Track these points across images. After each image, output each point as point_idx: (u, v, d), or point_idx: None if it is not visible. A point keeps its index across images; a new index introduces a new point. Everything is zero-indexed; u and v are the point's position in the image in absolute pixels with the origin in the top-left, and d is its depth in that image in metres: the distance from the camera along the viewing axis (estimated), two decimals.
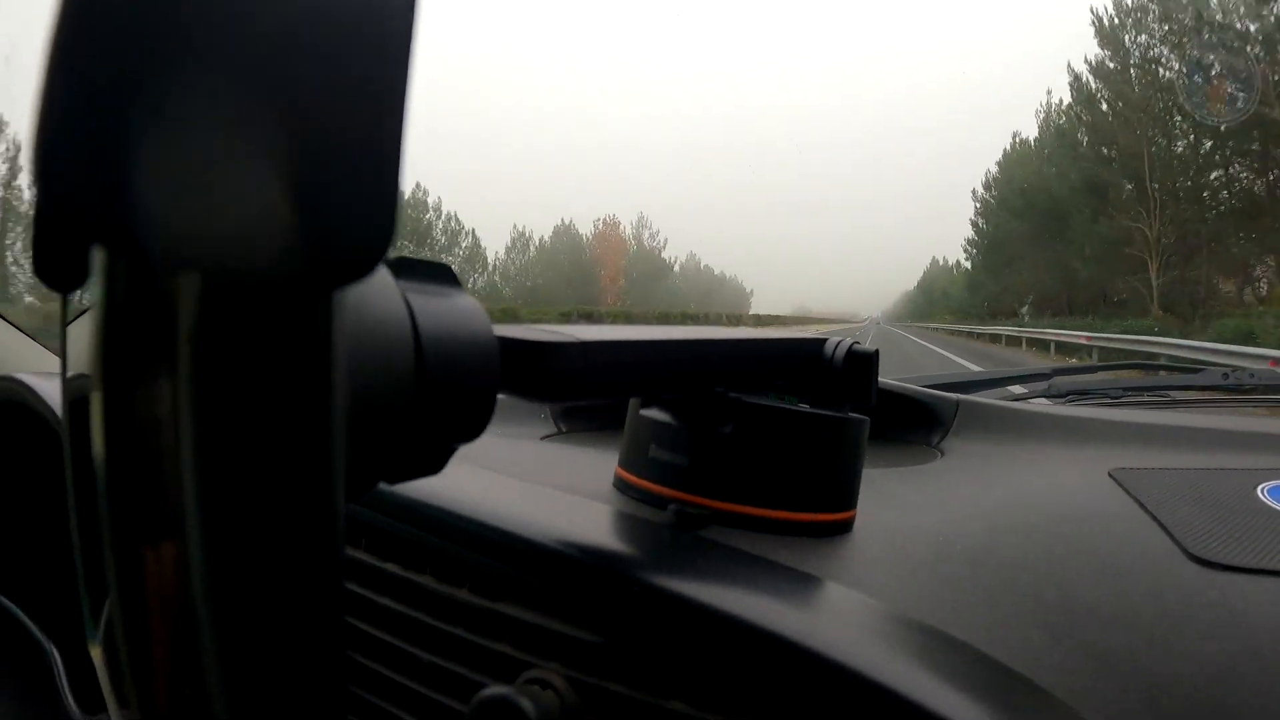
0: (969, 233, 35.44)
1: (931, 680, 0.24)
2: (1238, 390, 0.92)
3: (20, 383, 0.58)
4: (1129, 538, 0.37)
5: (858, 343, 0.37)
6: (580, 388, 0.27)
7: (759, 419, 0.33)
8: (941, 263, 63.03)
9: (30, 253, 0.18)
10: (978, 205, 34.07)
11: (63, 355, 0.21)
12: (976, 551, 0.35)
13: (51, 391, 0.55)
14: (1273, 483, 0.45)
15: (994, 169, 33.37)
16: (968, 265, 38.76)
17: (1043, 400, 0.83)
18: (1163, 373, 1.08)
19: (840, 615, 0.28)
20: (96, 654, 0.24)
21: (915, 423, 0.60)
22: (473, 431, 0.21)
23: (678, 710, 0.26)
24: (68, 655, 0.56)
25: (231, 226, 0.10)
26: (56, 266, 0.18)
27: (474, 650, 0.31)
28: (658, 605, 0.27)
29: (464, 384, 0.20)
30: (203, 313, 0.11)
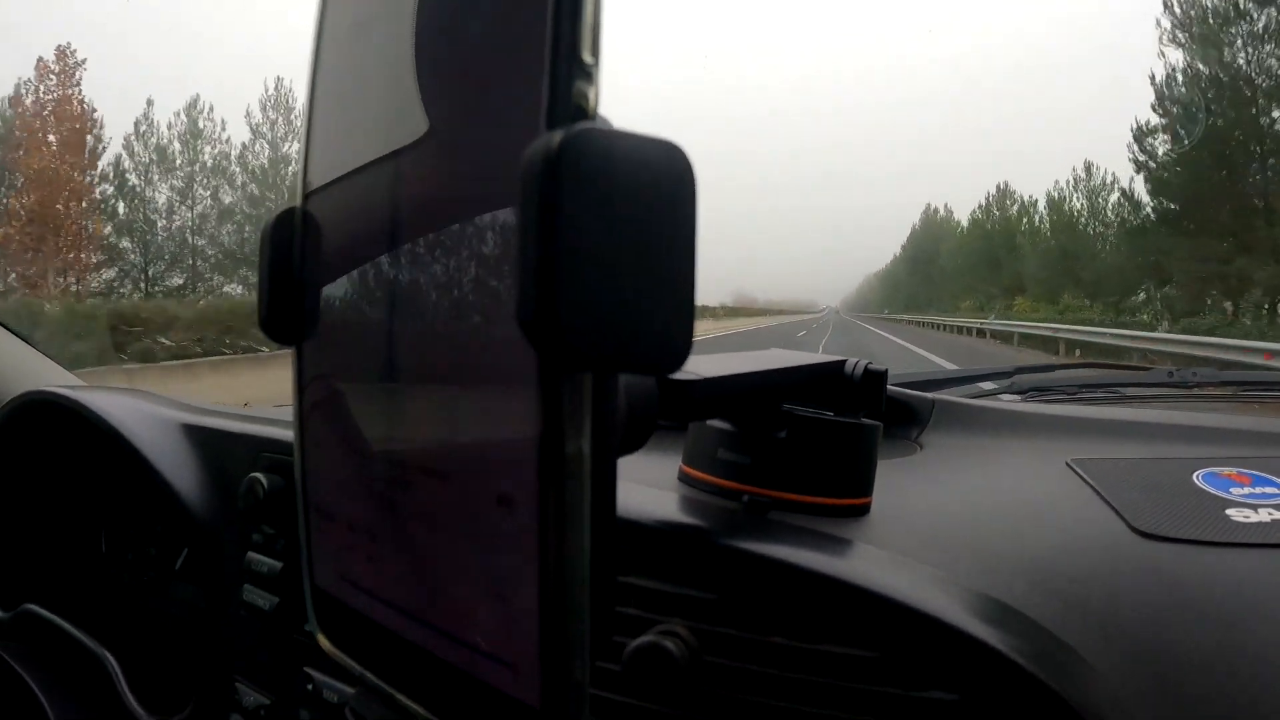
0: None
1: (940, 601, 0.34)
2: (1181, 386, 1.00)
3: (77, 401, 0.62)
4: (1084, 516, 0.45)
5: (872, 362, 0.44)
6: (704, 413, 0.39)
7: (807, 427, 0.42)
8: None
9: (260, 312, 0.24)
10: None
11: (297, 400, 0.28)
12: (963, 527, 0.43)
13: (111, 407, 0.60)
14: (1207, 469, 0.52)
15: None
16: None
17: (1007, 396, 0.90)
18: (1114, 370, 1.16)
19: (874, 563, 0.37)
20: (324, 642, 0.27)
21: (898, 420, 0.66)
22: (638, 445, 0.31)
23: (777, 643, 0.35)
24: (125, 661, 0.60)
25: (622, 338, 0.18)
26: (283, 325, 0.24)
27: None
28: (754, 567, 0.36)
29: (636, 412, 0.30)
30: (596, 389, 0.19)
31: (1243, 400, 0.96)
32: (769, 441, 0.42)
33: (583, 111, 0.18)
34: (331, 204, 0.26)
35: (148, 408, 0.65)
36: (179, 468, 0.58)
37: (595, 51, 0.18)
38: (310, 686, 0.47)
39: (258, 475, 0.51)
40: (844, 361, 0.45)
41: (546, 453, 0.18)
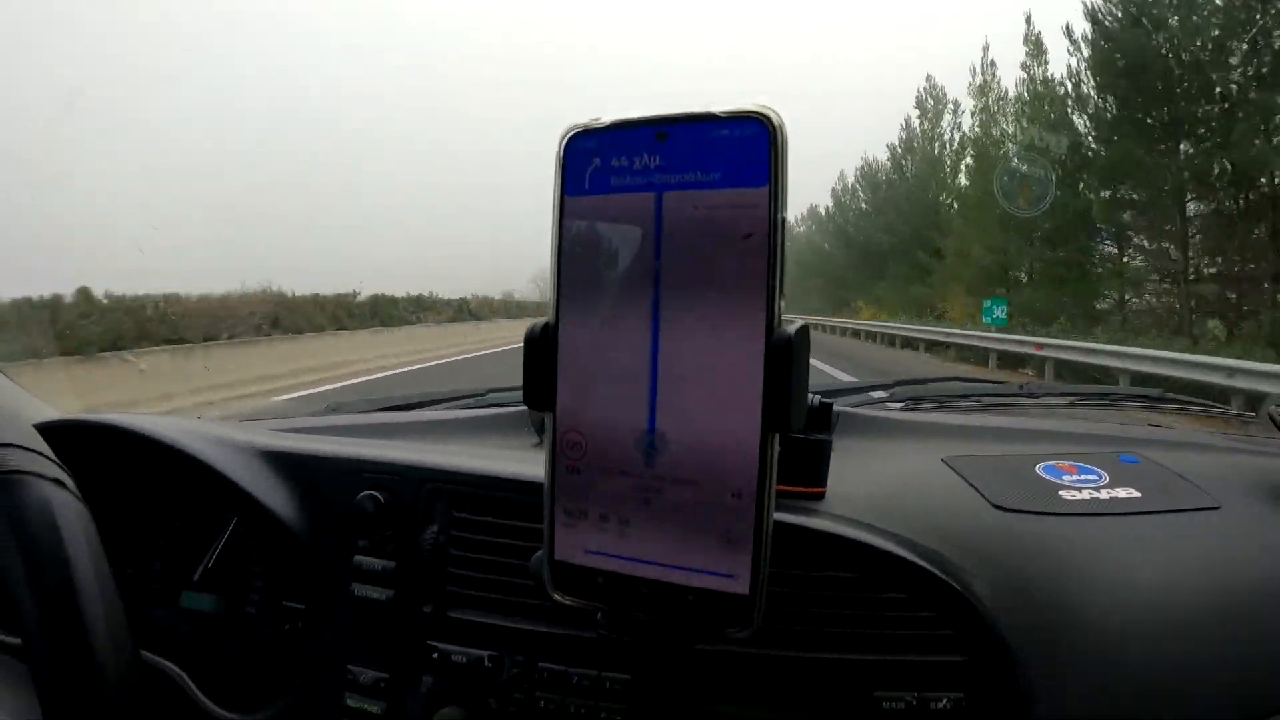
0: None
1: (876, 539, 0.51)
2: (1030, 397, 1.20)
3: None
4: (956, 496, 0.61)
5: (823, 397, 0.60)
6: None
7: (794, 442, 0.55)
8: None
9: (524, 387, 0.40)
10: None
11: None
12: (875, 501, 0.59)
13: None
14: (1046, 462, 0.68)
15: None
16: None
17: (892, 405, 1.06)
18: (977, 383, 1.36)
19: (834, 519, 0.55)
20: (559, 596, 0.41)
21: (812, 427, 0.80)
22: None
23: (796, 573, 0.51)
24: (192, 670, 0.64)
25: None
26: (539, 396, 0.39)
27: None
28: (791, 537, 0.52)
29: None
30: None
31: (1078, 408, 1.16)
32: None
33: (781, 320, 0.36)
34: (572, 323, 0.39)
35: (207, 429, 0.70)
36: (269, 491, 0.64)
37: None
38: (435, 655, 0.55)
39: (372, 492, 0.59)
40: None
41: (761, 469, 0.36)
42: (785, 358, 0.35)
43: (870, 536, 0.53)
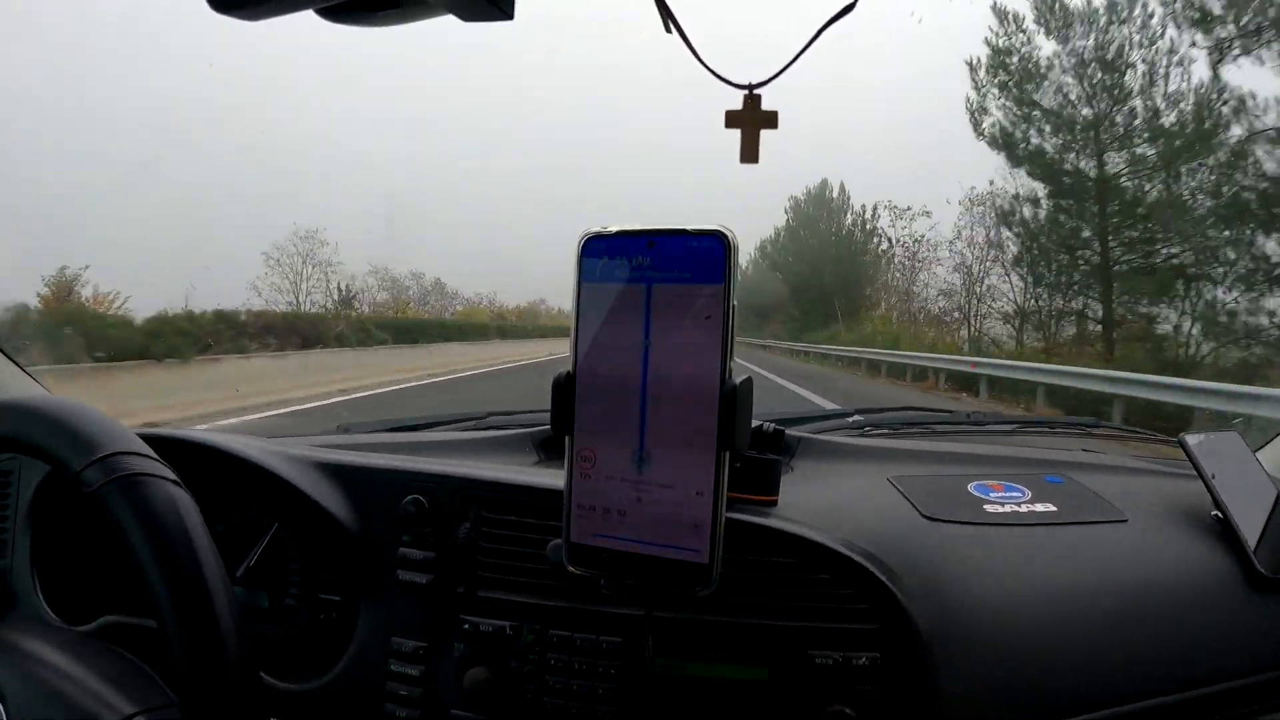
0: None
1: (836, 543, 0.63)
2: (977, 424, 1.30)
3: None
4: (893, 508, 0.73)
5: (775, 424, 0.75)
6: None
7: (747, 460, 0.68)
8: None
9: (552, 417, 0.56)
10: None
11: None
12: (818, 508, 0.71)
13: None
14: (978, 481, 0.78)
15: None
16: None
17: (848, 432, 1.15)
18: (929, 411, 1.45)
19: (779, 519, 0.66)
20: (574, 569, 0.56)
21: (766, 447, 0.89)
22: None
23: (751, 559, 0.63)
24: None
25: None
26: (562, 423, 0.55)
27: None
28: (744, 531, 0.64)
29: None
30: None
31: (1020, 434, 1.26)
32: (730, 468, 0.69)
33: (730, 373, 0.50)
34: (587, 372, 0.54)
35: (270, 446, 0.82)
36: (326, 496, 0.75)
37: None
38: (466, 626, 0.68)
39: (417, 496, 0.72)
40: (761, 425, 0.75)
41: (717, 477, 0.51)
42: (732, 400, 0.50)
43: (804, 530, 0.65)
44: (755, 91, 0.57)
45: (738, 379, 0.50)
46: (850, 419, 1.29)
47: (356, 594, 0.75)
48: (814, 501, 0.72)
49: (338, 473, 0.78)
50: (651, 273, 0.51)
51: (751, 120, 0.57)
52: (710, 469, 0.51)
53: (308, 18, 0.43)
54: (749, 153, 0.58)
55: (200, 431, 0.83)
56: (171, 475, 0.57)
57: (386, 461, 0.79)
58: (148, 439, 0.77)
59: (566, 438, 0.54)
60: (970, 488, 0.80)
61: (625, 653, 0.64)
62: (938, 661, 0.61)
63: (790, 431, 0.94)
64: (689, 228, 0.50)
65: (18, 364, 1.09)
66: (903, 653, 0.61)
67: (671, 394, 0.51)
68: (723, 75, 0.58)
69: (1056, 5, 14.92)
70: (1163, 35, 13.83)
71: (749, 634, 0.62)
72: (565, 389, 0.54)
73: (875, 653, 0.61)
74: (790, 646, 0.62)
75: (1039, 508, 0.74)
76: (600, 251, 0.52)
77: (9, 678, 0.58)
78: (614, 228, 0.52)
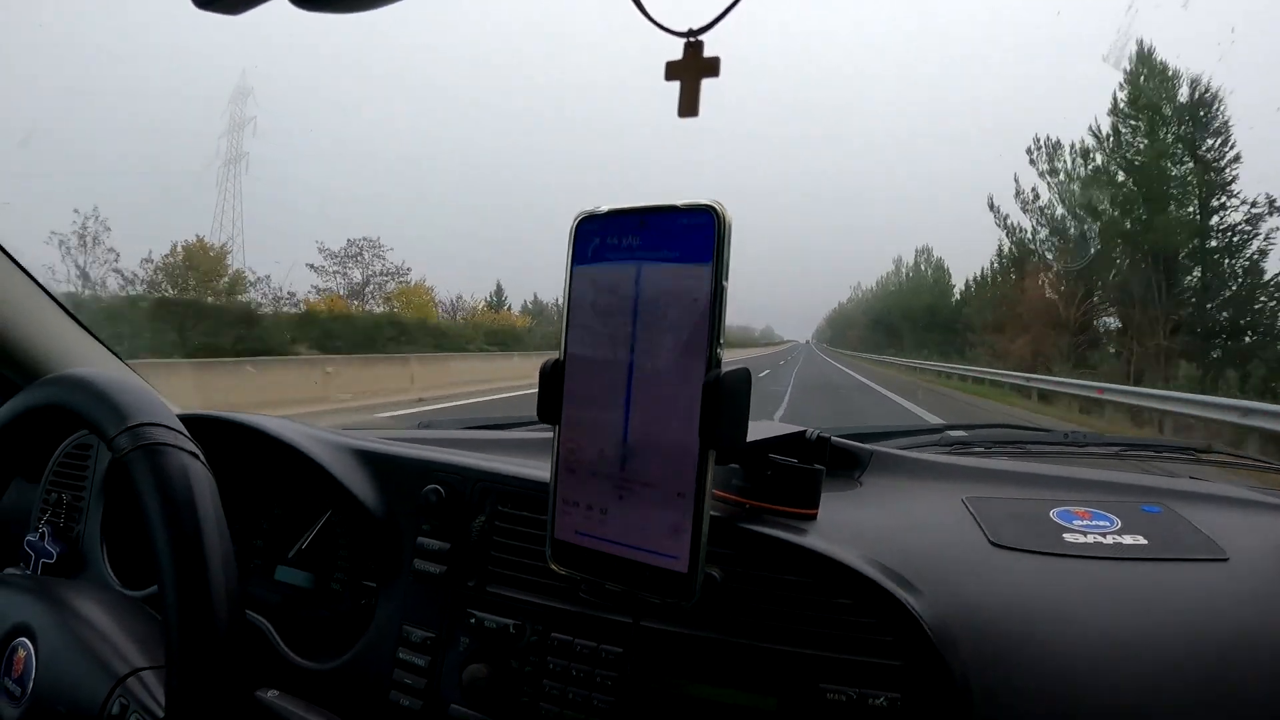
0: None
1: (848, 557, 0.58)
2: (1076, 445, 1.23)
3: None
4: (957, 531, 0.69)
5: (821, 431, 0.69)
6: (732, 459, 0.65)
7: (782, 468, 0.65)
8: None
9: (538, 407, 0.53)
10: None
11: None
12: (863, 527, 0.66)
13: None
14: (1063, 507, 0.74)
15: None
16: None
17: (933, 449, 1.11)
18: (1025, 430, 1.39)
19: (817, 538, 0.61)
20: (556, 567, 0.53)
21: (845, 464, 0.88)
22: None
23: (764, 574, 0.60)
24: (279, 627, 0.78)
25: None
26: (550, 412, 0.52)
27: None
28: (756, 538, 0.61)
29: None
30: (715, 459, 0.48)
31: (1123, 458, 1.19)
32: (761, 476, 0.66)
33: (719, 363, 0.45)
34: (575, 359, 0.51)
35: (313, 431, 0.86)
36: (356, 481, 0.78)
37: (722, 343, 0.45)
38: (472, 620, 0.68)
39: (436, 486, 0.72)
40: (805, 430, 0.71)
41: (700, 477, 0.46)
42: (716, 392, 0.45)
43: (821, 545, 0.60)
44: (698, 39, 0.52)
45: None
46: (941, 434, 1.25)
47: (384, 580, 0.76)
48: (864, 518, 0.68)
49: (370, 459, 0.80)
50: (641, 253, 0.48)
51: (693, 69, 0.52)
52: (692, 468, 0.46)
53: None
54: (688, 105, 0.53)
55: (253, 415, 0.89)
56: (191, 448, 0.61)
57: (414, 451, 0.80)
58: (195, 418, 0.85)
59: (554, 427, 0.52)
60: (1053, 514, 0.72)
61: (625, 664, 0.61)
62: (977, 713, 0.54)
63: (865, 445, 0.90)
64: (680, 204, 0.46)
65: (106, 345, 1.21)
66: (930, 697, 0.54)
67: (656, 384, 0.47)
68: (662, 23, 0.53)
69: None
70: None
71: (758, 658, 0.58)
72: (553, 377, 0.51)
73: (895, 693, 0.55)
74: (799, 676, 0.57)
75: (1126, 540, 0.67)
76: (592, 233, 0.50)
77: (48, 624, 0.64)
78: (605, 207, 0.50)
